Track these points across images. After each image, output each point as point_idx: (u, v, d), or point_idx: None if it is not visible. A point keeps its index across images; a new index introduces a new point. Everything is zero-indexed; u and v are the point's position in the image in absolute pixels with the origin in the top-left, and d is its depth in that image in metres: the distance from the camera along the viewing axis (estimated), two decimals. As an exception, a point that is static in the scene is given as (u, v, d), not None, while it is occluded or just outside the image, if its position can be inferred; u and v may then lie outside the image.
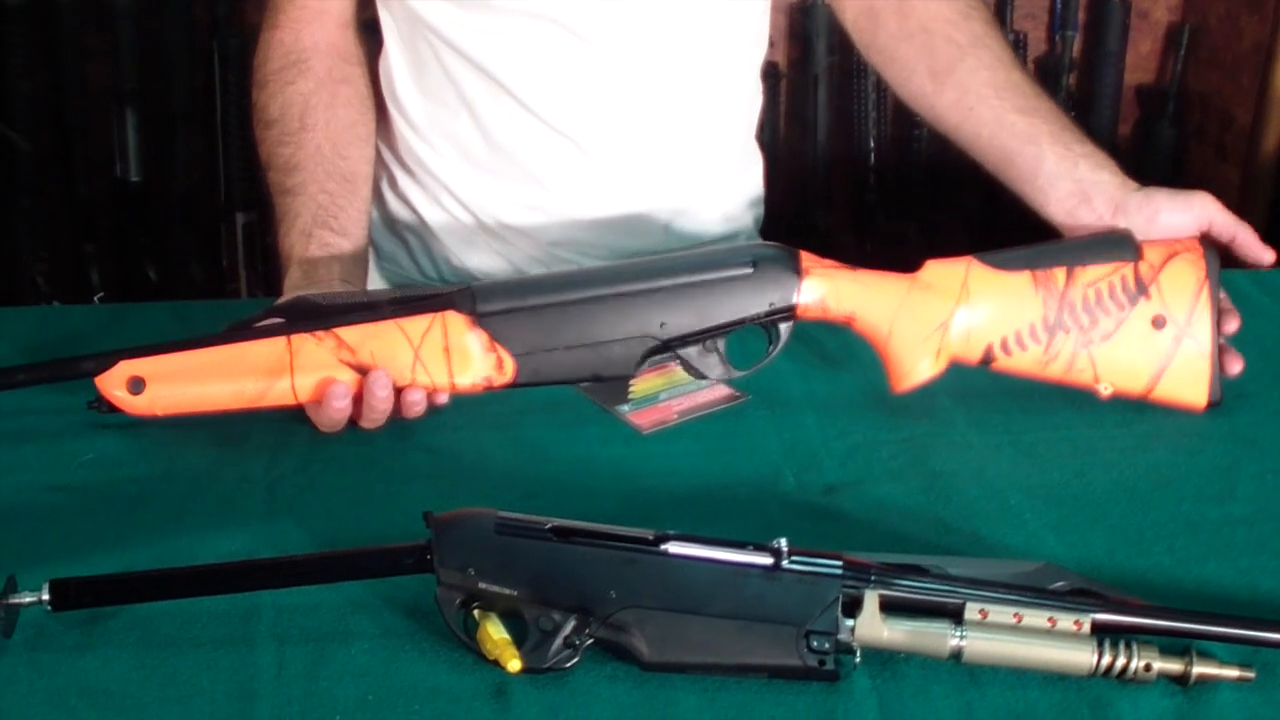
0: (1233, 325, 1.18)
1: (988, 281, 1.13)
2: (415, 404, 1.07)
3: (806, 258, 1.10)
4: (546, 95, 1.32)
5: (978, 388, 1.18)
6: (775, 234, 2.66)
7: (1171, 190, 1.20)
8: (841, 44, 2.71)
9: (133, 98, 2.57)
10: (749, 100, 1.47)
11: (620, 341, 1.08)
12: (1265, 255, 1.21)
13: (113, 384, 1.05)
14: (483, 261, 1.43)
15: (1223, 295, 1.18)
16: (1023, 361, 1.14)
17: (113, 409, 1.06)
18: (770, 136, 2.72)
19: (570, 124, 1.34)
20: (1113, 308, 1.15)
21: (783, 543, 0.82)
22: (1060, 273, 1.14)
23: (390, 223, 1.47)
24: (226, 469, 1.05)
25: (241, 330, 1.07)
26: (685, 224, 1.43)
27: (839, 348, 1.22)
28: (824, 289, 1.09)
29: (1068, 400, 1.17)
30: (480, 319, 1.06)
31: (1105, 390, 1.15)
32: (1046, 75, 2.80)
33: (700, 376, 1.11)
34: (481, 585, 0.82)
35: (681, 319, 1.08)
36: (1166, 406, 1.16)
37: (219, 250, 2.64)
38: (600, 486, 1.05)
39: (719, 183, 1.46)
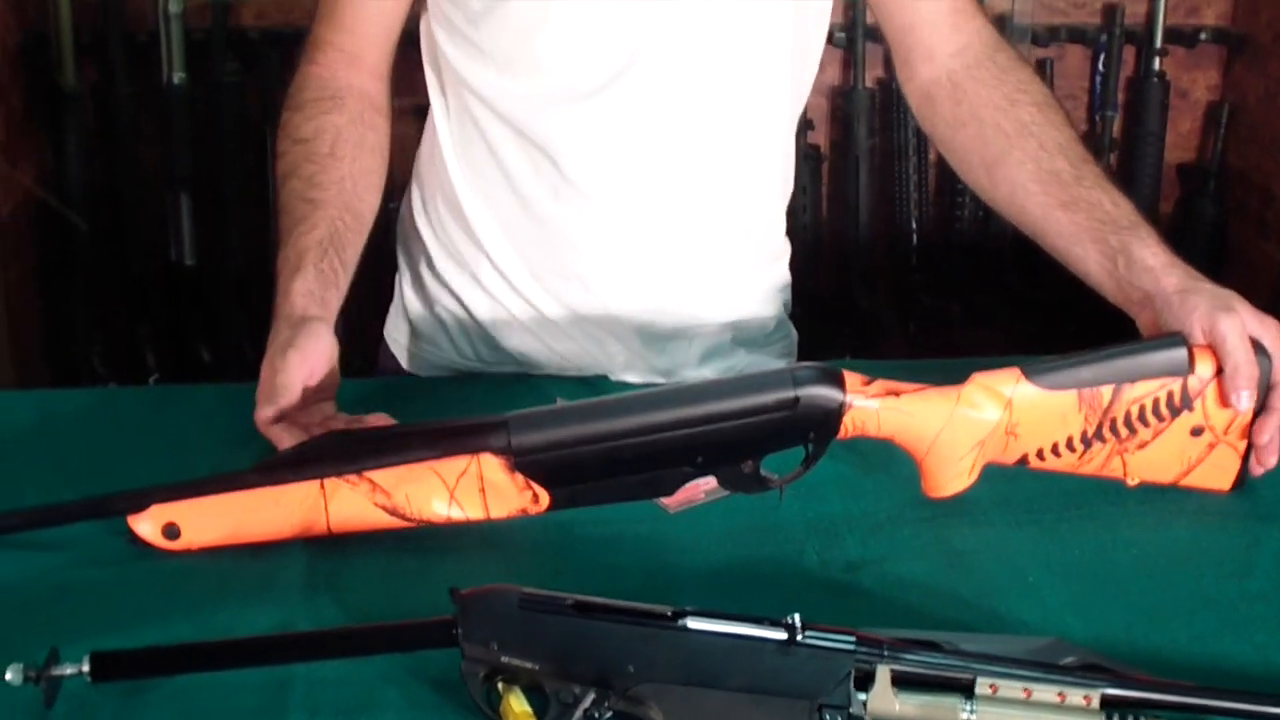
0: (1266, 433, 1.16)
1: (1033, 403, 1.12)
2: None
3: (850, 382, 1.07)
4: (585, 165, 1.36)
5: (1002, 469, 1.18)
6: (819, 313, 2.71)
7: (1211, 292, 1.19)
8: (882, 126, 2.76)
9: (187, 182, 2.64)
10: (782, 179, 1.52)
11: (657, 472, 1.06)
12: None
13: (146, 528, 1.06)
14: (521, 343, 1.46)
15: (1275, 420, 1.16)
16: (1056, 465, 1.15)
17: (143, 544, 1.07)
18: (812, 217, 2.76)
19: (609, 195, 1.37)
20: (1154, 421, 1.14)
21: (796, 618, 0.85)
22: (1107, 390, 1.13)
23: (429, 304, 1.51)
24: (266, 546, 1.07)
25: (274, 472, 1.06)
26: (720, 300, 1.46)
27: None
28: (866, 415, 1.08)
29: (1090, 480, 1.17)
30: (516, 462, 1.05)
31: (1132, 481, 1.16)
32: (1087, 155, 2.84)
33: (735, 491, 1.10)
34: (505, 659, 0.85)
35: (720, 453, 1.06)
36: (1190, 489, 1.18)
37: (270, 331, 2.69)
38: (625, 564, 1.07)
39: (752, 261, 1.50)
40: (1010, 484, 1.17)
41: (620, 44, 1.32)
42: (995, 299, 2.79)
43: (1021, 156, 1.32)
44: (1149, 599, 1.04)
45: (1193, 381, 1.14)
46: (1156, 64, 2.78)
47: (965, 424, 1.10)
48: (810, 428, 1.06)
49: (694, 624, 0.85)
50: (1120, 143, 2.84)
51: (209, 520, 1.06)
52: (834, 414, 1.06)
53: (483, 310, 1.47)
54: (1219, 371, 1.14)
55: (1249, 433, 1.15)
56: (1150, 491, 1.17)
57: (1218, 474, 1.18)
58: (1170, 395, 1.14)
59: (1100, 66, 2.80)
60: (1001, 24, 2.71)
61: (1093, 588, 1.05)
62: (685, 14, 1.32)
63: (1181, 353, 1.14)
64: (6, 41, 2.53)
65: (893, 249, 2.82)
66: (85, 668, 0.86)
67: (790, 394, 1.05)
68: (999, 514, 1.15)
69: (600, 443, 1.04)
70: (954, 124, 1.39)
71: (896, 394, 1.08)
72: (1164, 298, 1.19)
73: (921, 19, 1.40)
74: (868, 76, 2.74)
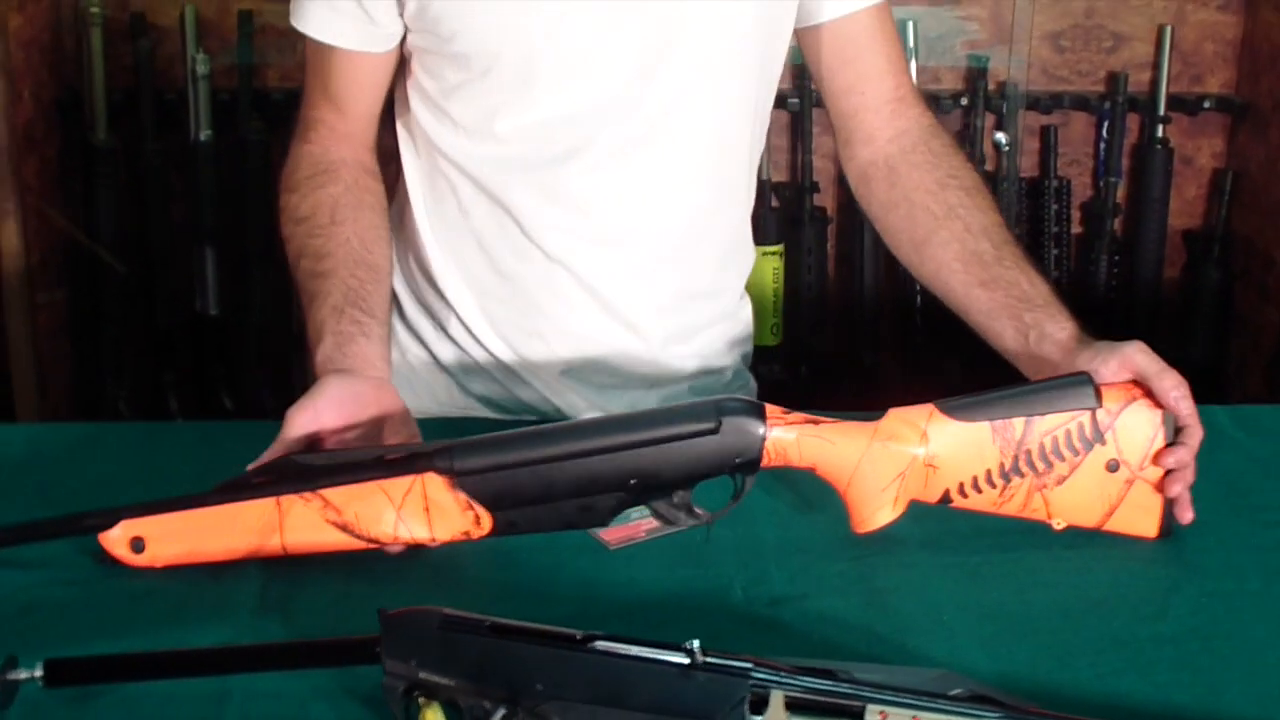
0: (1179, 484, 1.21)
1: (947, 432, 1.18)
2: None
3: (771, 413, 1.14)
4: (547, 229, 1.44)
5: (933, 510, 1.23)
6: (824, 370, 2.77)
7: (1109, 346, 1.25)
8: (888, 188, 2.83)
9: (212, 236, 2.73)
10: (741, 239, 1.58)
11: (591, 497, 1.12)
12: (1181, 407, 1.22)
13: (115, 543, 1.12)
14: (487, 390, 1.53)
15: (1190, 454, 1.22)
16: (978, 502, 1.19)
17: (115, 561, 1.13)
18: (818, 277, 2.83)
19: (570, 257, 1.45)
20: (1068, 454, 1.19)
21: (695, 644, 0.90)
22: (1019, 422, 1.18)
23: (401, 352, 1.57)
24: (224, 569, 1.14)
25: (234, 491, 1.13)
26: (680, 354, 1.52)
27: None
28: (786, 443, 1.14)
29: (1019, 525, 1.22)
30: (458, 480, 1.12)
31: (1058, 525, 1.21)
32: (1091, 220, 2.89)
33: (668, 524, 1.15)
34: (423, 675, 0.91)
35: (650, 475, 1.12)
36: (1118, 535, 1.22)
37: (290, 380, 2.77)
38: (562, 594, 1.13)
39: (710, 318, 1.56)
40: (940, 525, 1.22)
41: (581, 121, 1.40)
42: (995, 357, 2.82)
43: (948, 236, 1.41)
44: (1059, 639, 1.08)
45: (1101, 415, 1.19)
46: (1160, 131, 2.83)
47: (884, 455, 1.16)
48: (733, 454, 1.12)
49: (601, 646, 0.91)
50: (1125, 208, 2.89)
51: (173, 535, 1.13)
52: (755, 441, 1.13)
53: (450, 359, 1.55)
54: (1127, 405, 1.20)
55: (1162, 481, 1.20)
56: (1077, 537, 1.22)
57: (1142, 516, 1.22)
58: (1081, 427, 1.19)
59: (1104, 133, 2.86)
60: (1004, 91, 2.79)
61: (1005, 628, 1.10)
62: (643, 96, 1.40)
63: (1088, 388, 1.19)
64: (43, 97, 2.63)
65: (896, 308, 2.88)
66: (39, 673, 0.93)
67: (713, 421, 1.12)
68: (924, 554, 1.20)
69: (537, 464, 1.11)
70: (887, 205, 1.47)
71: (816, 424, 1.15)
72: (1069, 365, 1.26)
73: (865, 105, 1.49)
74: (874, 141, 2.81)
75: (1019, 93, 2.80)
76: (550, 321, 1.48)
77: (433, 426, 1.41)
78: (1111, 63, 2.86)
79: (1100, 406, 1.19)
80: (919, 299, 2.84)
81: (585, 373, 1.50)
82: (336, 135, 1.48)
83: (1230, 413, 1.50)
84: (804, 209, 2.81)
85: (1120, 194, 2.89)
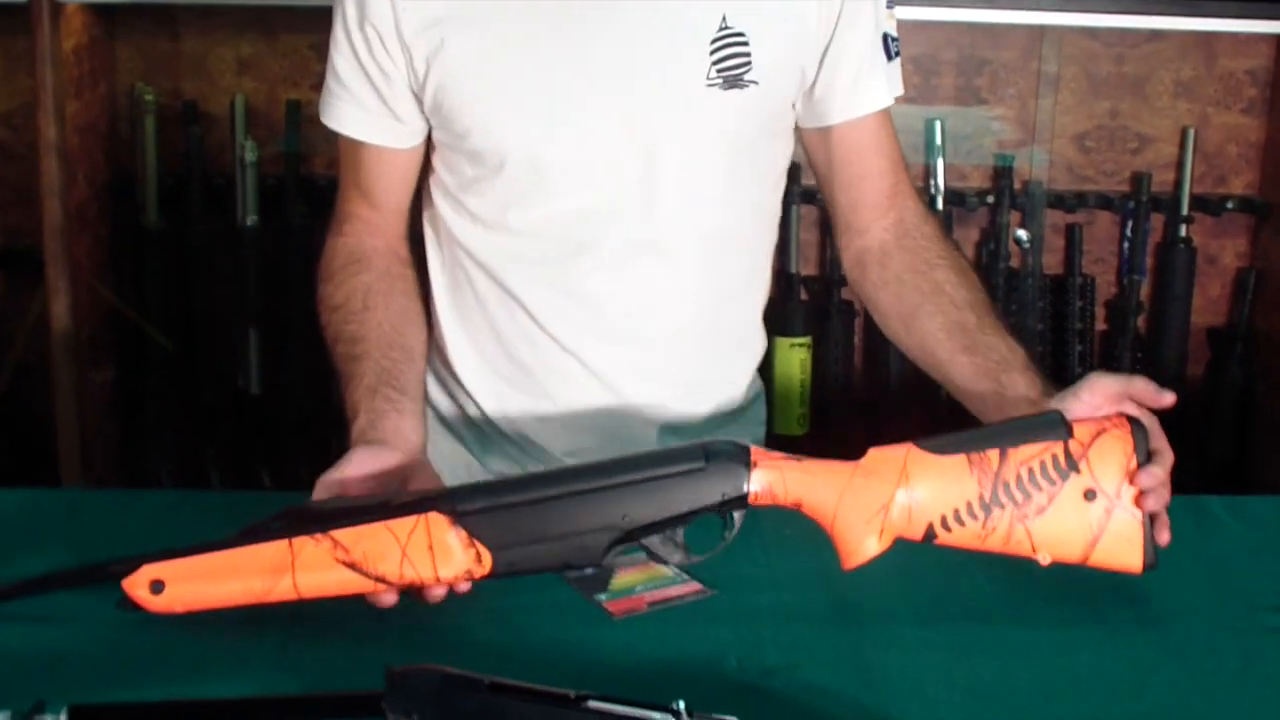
0: (1158, 504, 1.25)
1: (926, 465, 1.23)
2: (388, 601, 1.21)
3: (756, 452, 1.21)
4: (558, 319, 1.52)
5: (927, 587, 1.31)
6: (850, 459, 2.81)
7: (1074, 387, 1.31)
8: (915, 283, 2.88)
9: (256, 317, 2.81)
10: (753, 331, 1.65)
11: (586, 534, 1.19)
12: (1164, 398, 1.29)
13: (136, 586, 1.18)
14: (500, 466, 1.60)
15: (1162, 476, 1.26)
16: (963, 536, 1.23)
17: (136, 607, 1.18)
18: (844, 369, 2.89)
19: (580, 348, 1.53)
20: (1045, 484, 1.23)
21: (681, 704, 0.96)
22: (994, 454, 1.23)
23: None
24: (241, 627, 1.20)
25: (250, 535, 1.19)
26: (688, 438, 1.58)
27: (801, 532, 1.32)
28: (771, 479, 1.20)
29: (1009, 604, 1.29)
30: (459, 518, 1.18)
31: (1044, 559, 1.24)
32: (1115, 317, 2.94)
33: (662, 562, 1.23)
34: (424, 729, 0.97)
35: (642, 511, 1.19)
36: (1106, 571, 1.25)
37: (328, 458, 2.83)
38: (562, 658, 1.19)
39: (721, 403, 1.62)
40: (931, 604, 1.29)
41: (589, 218, 1.49)
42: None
43: (934, 310, 1.48)
44: (1035, 715, 1.13)
45: (1074, 445, 1.24)
46: (1183, 231, 2.89)
47: (866, 488, 1.22)
48: (720, 491, 1.20)
49: (593, 705, 0.97)
50: (1148, 306, 2.94)
51: (190, 576, 1.18)
52: (740, 478, 1.20)
53: (469, 436, 1.62)
54: (1098, 435, 1.24)
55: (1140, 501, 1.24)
56: (1065, 619, 1.27)
57: (1125, 547, 1.24)
58: (1055, 457, 1.23)
59: (1128, 232, 2.91)
60: (1029, 189, 2.85)
61: (987, 704, 1.14)
62: (647, 197, 1.48)
63: (1058, 420, 1.25)
64: (96, 180, 2.72)
65: (922, 399, 2.87)
66: (64, 717, 0.99)
67: (700, 461, 1.20)
68: (913, 630, 1.25)
69: (533, 504, 1.19)
70: (879, 285, 1.55)
71: (799, 461, 1.22)
72: (1040, 409, 1.32)
73: (864, 200, 1.57)
74: (901, 236, 2.87)
75: (1044, 191, 2.87)
76: (561, 406, 1.56)
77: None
78: (1136, 163, 2.93)
79: (1072, 437, 1.24)
80: (943, 391, 2.87)
81: (595, 455, 1.56)
82: (370, 227, 1.57)
83: (1224, 502, 1.55)
84: (832, 302, 2.87)
85: (1144, 292, 2.94)
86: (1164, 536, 1.26)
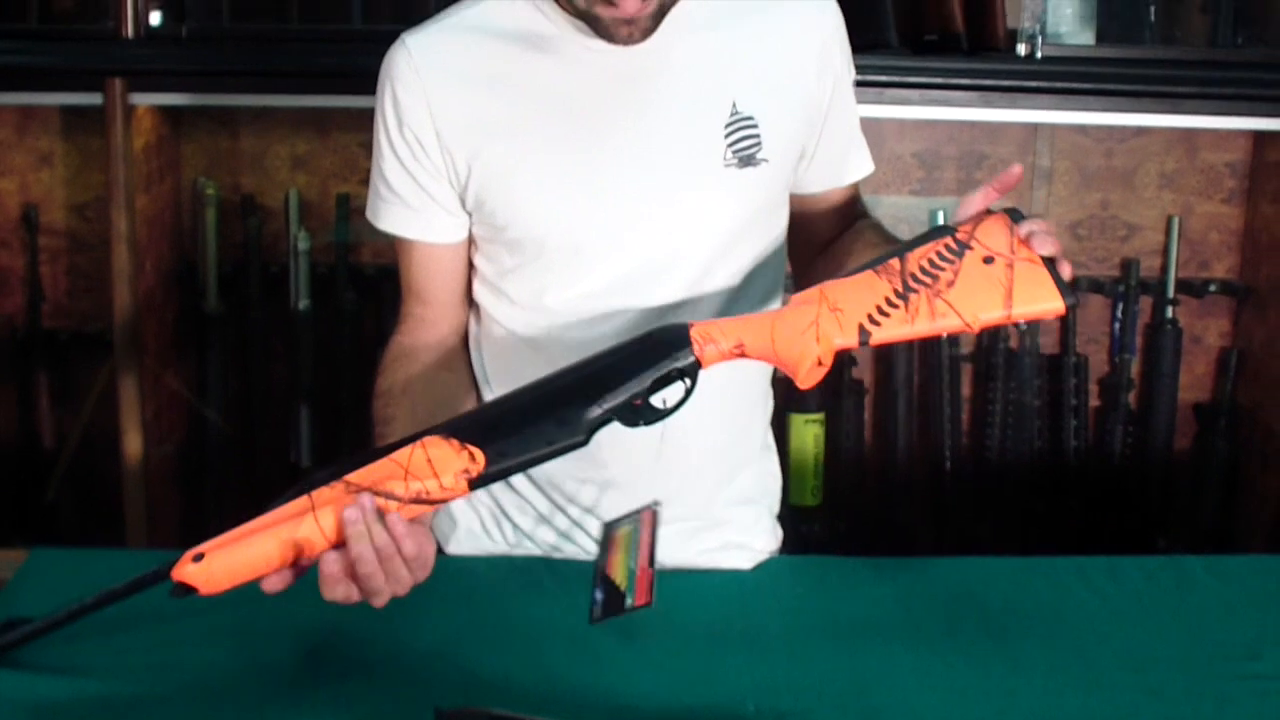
0: (1049, 247, 1.36)
1: (839, 286, 1.38)
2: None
3: (693, 323, 1.38)
4: None
5: (928, 637, 1.49)
6: (861, 531, 2.98)
7: None
8: (920, 363, 3.06)
9: (308, 395, 2.97)
10: (765, 393, 1.78)
11: (562, 409, 1.33)
12: (1013, 169, 1.40)
13: (182, 567, 1.29)
14: (547, 536, 1.73)
15: (1042, 225, 1.36)
16: (892, 326, 1.35)
17: (184, 590, 1.28)
18: (855, 444, 3.05)
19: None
20: (946, 265, 1.35)
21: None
22: (894, 262, 1.37)
23: (467, 499, 1.75)
24: (302, 671, 1.37)
25: (276, 500, 1.32)
26: (723, 498, 1.74)
27: (810, 588, 1.53)
28: (709, 330, 1.37)
29: (1003, 652, 1.46)
30: (450, 432, 1.32)
31: (975, 325, 1.34)
32: (1107, 394, 3.10)
33: (640, 425, 1.36)
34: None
35: (606, 381, 1.34)
36: (1035, 320, 1.40)
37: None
38: (597, 702, 1.37)
39: (749, 454, 1.77)
40: (933, 653, 1.46)
41: (622, 289, 1.60)
42: (1021, 521, 3.04)
43: (849, 240, 1.68)
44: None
45: (960, 235, 1.38)
46: (1170, 312, 3.06)
47: (793, 315, 1.37)
48: (669, 350, 1.36)
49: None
50: (1138, 383, 3.09)
51: (227, 543, 1.30)
52: (678, 330, 1.37)
53: (512, 507, 1.74)
54: (979, 223, 1.38)
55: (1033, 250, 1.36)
56: (1053, 663, 1.45)
57: (1040, 291, 1.34)
58: (947, 245, 1.37)
59: (1119, 314, 3.07)
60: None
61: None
62: (673, 264, 1.59)
63: (940, 225, 1.40)
64: (162, 268, 2.88)
65: (929, 472, 3.07)
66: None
67: (645, 338, 1.37)
68: (916, 678, 1.43)
69: (511, 401, 1.35)
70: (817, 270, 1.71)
71: (732, 318, 1.39)
72: None
73: (830, 235, 1.74)
74: (907, 318, 3.04)
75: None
76: (608, 473, 1.66)
77: (497, 564, 1.68)
78: (1125, 250, 3.10)
79: (957, 231, 1.39)
80: (949, 464, 3.06)
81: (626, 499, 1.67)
82: (423, 325, 1.68)
83: (1201, 561, 1.71)
84: (843, 381, 3.03)
85: (1134, 370, 3.10)
86: (1066, 270, 1.37)
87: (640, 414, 1.37)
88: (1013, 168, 1.42)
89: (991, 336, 3.04)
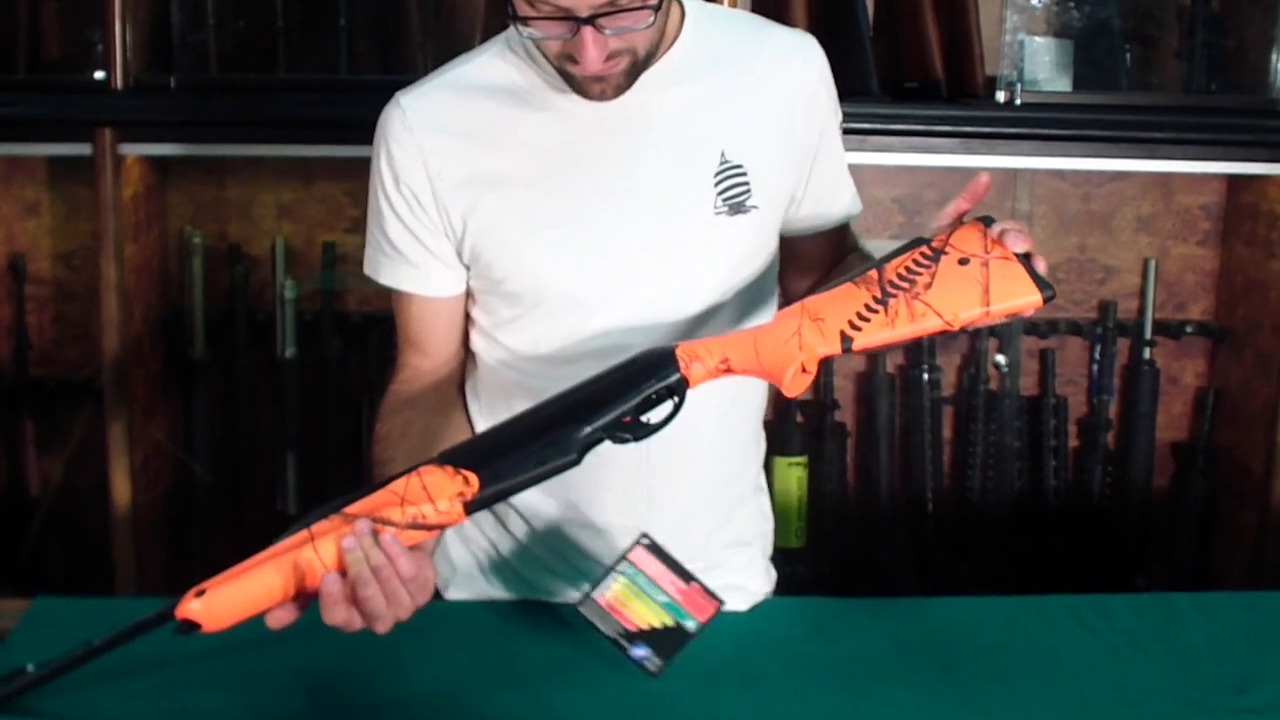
0: (1022, 244, 1.41)
1: (819, 300, 1.42)
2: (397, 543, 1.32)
3: (678, 344, 1.41)
4: None
5: (925, 679, 1.52)
6: (843, 572, 3.00)
7: None
8: (902, 406, 3.09)
9: (294, 442, 2.98)
10: (758, 433, 1.81)
11: (554, 430, 1.35)
12: (980, 179, 1.46)
13: (185, 605, 1.30)
14: (544, 581, 1.74)
15: (1015, 225, 1.42)
16: (873, 330, 1.39)
17: (188, 628, 1.30)
18: (838, 486, 3.08)
19: (615, 453, 1.57)
20: (922, 269, 1.39)
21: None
22: (872, 273, 1.41)
23: (467, 544, 1.79)
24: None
25: (278, 539, 1.34)
26: (718, 541, 1.76)
27: (809, 630, 1.55)
28: (695, 349, 1.40)
29: (1002, 691, 1.50)
30: (444, 459, 1.35)
31: (954, 323, 1.38)
32: (1086, 434, 3.14)
33: (631, 441, 1.39)
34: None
35: (595, 402, 1.37)
36: (1015, 314, 1.40)
37: (359, 573, 3.00)
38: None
39: (743, 492, 1.80)
40: (929, 694, 1.49)
41: (619, 334, 1.60)
42: (1003, 561, 3.07)
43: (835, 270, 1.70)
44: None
45: (935, 242, 1.42)
46: (1147, 354, 3.10)
47: (776, 329, 1.41)
48: (655, 369, 1.39)
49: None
50: (1116, 424, 3.14)
51: (229, 578, 1.31)
52: (664, 351, 1.40)
53: (509, 553, 1.76)
54: (951, 231, 1.42)
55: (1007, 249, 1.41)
56: (1050, 697, 1.49)
57: (1016, 285, 1.39)
58: (922, 253, 1.41)
59: (1097, 356, 3.12)
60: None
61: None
62: (677, 308, 1.61)
63: (918, 238, 1.44)
64: (149, 316, 2.89)
65: (910, 514, 3.10)
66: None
67: (631, 362, 1.40)
68: (916, 714, 1.46)
69: (503, 427, 1.38)
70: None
71: (715, 337, 1.43)
72: None
73: (821, 274, 1.76)
74: (888, 363, 3.09)
75: (1019, 319, 3.05)
76: (596, 515, 1.68)
77: (496, 607, 1.69)
78: (1103, 292, 3.14)
79: (932, 240, 1.43)
80: (931, 505, 3.09)
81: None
82: (420, 374, 1.70)
83: (1190, 598, 1.75)
84: (826, 424, 3.06)
85: (1112, 410, 3.14)
86: (1041, 265, 1.42)
87: (630, 430, 1.39)
88: (980, 177, 1.46)
89: (971, 379, 3.08)
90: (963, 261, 1.39)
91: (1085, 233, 3.13)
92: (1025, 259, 1.41)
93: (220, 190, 3.01)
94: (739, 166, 1.62)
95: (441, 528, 1.36)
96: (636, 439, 1.40)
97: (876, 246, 1.78)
